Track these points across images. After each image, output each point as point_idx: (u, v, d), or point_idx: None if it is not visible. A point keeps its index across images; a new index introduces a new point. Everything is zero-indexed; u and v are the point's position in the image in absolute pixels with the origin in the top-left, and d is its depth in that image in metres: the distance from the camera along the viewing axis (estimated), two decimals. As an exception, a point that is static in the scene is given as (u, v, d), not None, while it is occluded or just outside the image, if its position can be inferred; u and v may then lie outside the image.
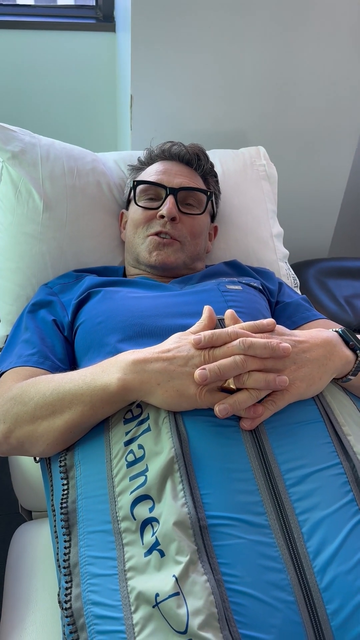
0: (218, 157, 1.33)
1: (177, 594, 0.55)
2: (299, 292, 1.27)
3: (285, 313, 1.01)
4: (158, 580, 0.56)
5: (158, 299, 0.90)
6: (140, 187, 1.08)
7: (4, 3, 1.88)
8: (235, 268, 1.11)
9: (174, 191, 1.04)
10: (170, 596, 0.55)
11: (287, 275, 1.29)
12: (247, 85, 1.54)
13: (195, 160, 1.13)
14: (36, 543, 0.90)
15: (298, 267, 1.73)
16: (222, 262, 1.11)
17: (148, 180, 1.07)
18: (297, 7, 1.44)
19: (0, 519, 1.29)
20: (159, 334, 0.79)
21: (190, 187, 1.07)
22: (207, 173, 1.15)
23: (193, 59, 1.47)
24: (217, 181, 1.19)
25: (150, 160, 1.15)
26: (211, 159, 1.30)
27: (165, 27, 1.41)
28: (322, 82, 1.58)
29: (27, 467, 0.98)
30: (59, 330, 0.93)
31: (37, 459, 0.81)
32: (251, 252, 1.26)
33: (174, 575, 0.56)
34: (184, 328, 0.75)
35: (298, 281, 1.31)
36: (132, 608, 0.56)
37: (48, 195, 1.13)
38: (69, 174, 1.16)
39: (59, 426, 0.71)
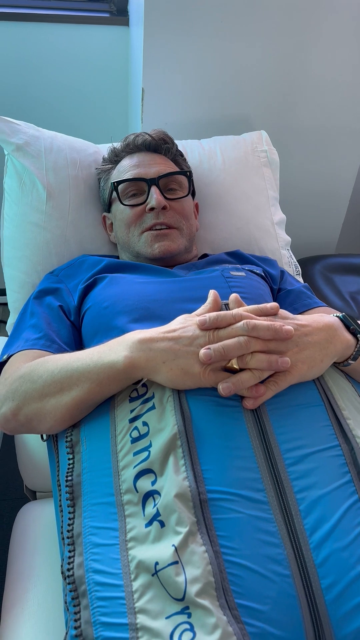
0: (218, 145, 1.33)
1: (175, 562, 0.56)
2: (301, 279, 1.29)
3: (287, 300, 1.02)
4: (158, 550, 0.58)
5: (163, 284, 0.92)
6: (120, 187, 1.07)
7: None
8: (238, 257, 1.12)
9: (154, 181, 1.04)
10: (169, 564, 0.56)
11: (289, 263, 1.29)
12: (257, 80, 1.55)
13: (162, 145, 1.13)
14: (39, 521, 0.92)
15: (305, 263, 1.74)
16: (224, 252, 1.12)
17: (126, 178, 1.07)
18: (310, 3, 1.45)
19: (6, 503, 1.31)
20: (165, 318, 0.80)
21: (169, 172, 1.07)
22: (176, 154, 1.16)
23: (204, 53, 1.48)
24: (185, 159, 1.19)
25: (115, 157, 1.14)
26: (211, 147, 1.32)
27: (177, 20, 1.42)
28: (333, 78, 1.58)
29: (33, 448, 1.00)
30: (65, 316, 0.95)
31: (45, 437, 0.83)
32: (253, 241, 1.26)
33: (173, 545, 0.57)
34: (189, 312, 0.77)
35: (300, 269, 1.31)
36: (132, 576, 0.58)
37: (51, 185, 1.15)
38: (72, 165, 1.18)
39: (66, 403, 0.73)
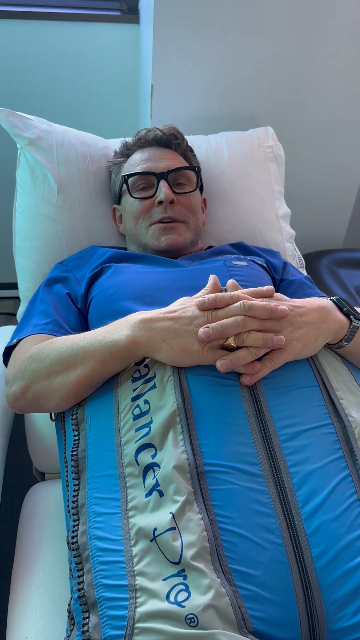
0: (225, 140, 1.36)
1: (173, 528, 0.59)
2: (304, 272, 1.31)
3: (289, 290, 1.05)
4: (156, 517, 0.61)
5: (167, 274, 0.95)
6: (131, 180, 1.11)
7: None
8: (241, 249, 1.15)
9: (164, 175, 1.07)
10: (166, 530, 0.59)
11: (292, 255, 1.32)
12: (264, 77, 1.57)
13: (172, 140, 1.16)
14: (47, 500, 0.96)
15: (311, 257, 1.76)
16: (228, 244, 1.15)
17: (136, 171, 1.10)
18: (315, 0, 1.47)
19: (16, 490, 1.35)
20: (168, 304, 0.84)
21: (178, 167, 1.10)
22: (186, 150, 1.19)
23: (212, 50, 1.51)
24: (194, 155, 1.22)
25: (127, 151, 1.18)
26: (218, 142, 1.34)
27: (186, 18, 1.45)
28: (339, 74, 1.60)
29: (42, 431, 1.04)
30: (73, 304, 0.99)
31: (53, 417, 0.86)
32: (257, 234, 1.29)
33: (170, 512, 0.60)
34: None
35: (304, 261, 1.34)
36: (132, 542, 0.61)
37: (62, 178, 1.18)
38: (82, 158, 1.22)
39: (72, 380, 0.76)
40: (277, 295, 0.78)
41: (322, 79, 1.60)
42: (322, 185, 1.82)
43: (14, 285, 1.27)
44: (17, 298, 1.25)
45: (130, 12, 1.93)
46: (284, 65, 1.56)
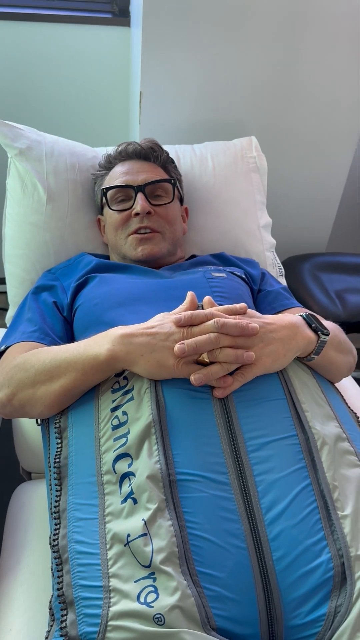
0: (210, 151, 1.40)
1: (145, 534, 0.65)
2: (283, 280, 1.36)
3: (267, 300, 1.10)
4: (130, 523, 0.67)
5: (149, 285, 0.99)
6: (110, 192, 1.15)
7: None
8: (222, 259, 1.19)
9: (141, 188, 1.12)
10: (139, 536, 0.65)
11: (272, 264, 1.37)
12: (250, 84, 1.61)
13: (151, 153, 1.20)
14: (33, 499, 1.01)
15: (294, 261, 1.81)
16: (209, 254, 1.20)
17: (115, 184, 1.15)
18: (300, 11, 1.51)
19: (4, 484, 1.40)
20: (150, 315, 0.88)
21: (155, 180, 1.15)
22: (165, 162, 1.23)
23: (200, 57, 1.54)
24: (175, 166, 1.26)
25: (109, 164, 1.22)
26: (202, 152, 1.38)
27: (174, 25, 1.48)
28: (324, 84, 1.65)
29: (28, 433, 1.09)
30: (59, 312, 1.03)
31: (39, 422, 0.91)
32: (239, 243, 1.34)
33: (143, 519, 0.66)
34: (171, 309, 0.84)
35: (283, 270, 1.38)
36: (108, 546, 0.66)
37: (51, 188, 1.22)
38: (71, 169, 1.26)
39: (55, 390, 0.81)
40: (250, 312, 0.83)
41: (306, 87, 1.64)
42: (308, 189, 1.87)
43: (3, 280, 1.31)
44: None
45: (121, 15, 1.95)
46: (270, 74, 1.60)
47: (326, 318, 0.94)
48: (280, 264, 1.38)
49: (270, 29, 1.52)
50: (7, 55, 1.87)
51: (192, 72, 1.57)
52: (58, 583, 0.67)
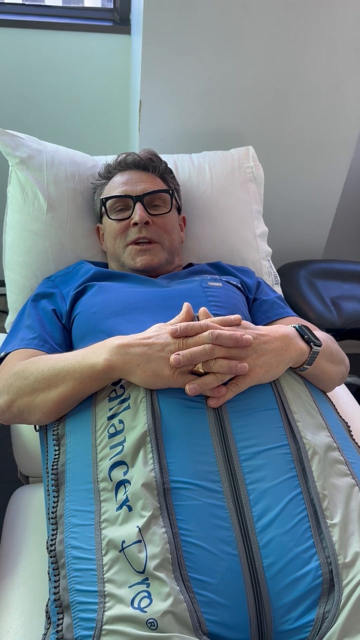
0: (207, 160, 1.42)
1: (139, 541, 0.67)
2: (279, 288, 1.38)
3: (262, 309, 1.12)
4: (125, 530, 0.69)
5: (147, 294, 1.01)
6: (109, 202, 1.18)
7: (26, 3, 1.95)
8: (218, 268, 1.21)
9: (139, 198, 1.14)
10: (133, 543, 0.67)
11: (268, 273, 1.39)
12: (249, 91, 1.63)
13: (150, 164, 1.22)
14: (31, 503, 1.02)
15: (291, 267, 1.83)
16: (206, 263, 1.22)
17: (114, 194, 1.17)
18: (299, 18, 1.53)
19: (3, 485, 1.42)
20: (147, 323, 0.90)
21: (153, 190, 1.17)
22: (164, 172, 1.25)
23: (199, 67, 1.56)
24: (173, 176, 1.28)
25: (108, 173, 1.24)
26: (200, 162, 1.41)
27: (175, 34, 1.50)
28: (321, 90, 1.67)
29: (27, 438, 1.11)
30: (58, 319, 1.05)
31: (37, 428, 0.93)
32: (235, 252, 1.36)
33: (137, 526, 0.68)
34: (168, 319, 0.87)
35: (279, 278, 1.41)
36: (103, 552, 0.68)
37: (52, 197, 1.24)
38: (71, 178, 1.28)
39: (53, 397, 0.83)
40: (244, 323, 0.85)
41: (303, 98, 1.67)
42: (305, 197, 1.89)
43: (3, 283, 1.32)
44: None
45: (122, 23, 1.96)
46: (268, 83, 1.62)
47: (321, 325, 0.96)
48: (276, 273, 1.40)
49: (268, 37, 1.55)
50: (8, 63, 1.88)
51: (192, 81, 1.59)
52: (54, 587, 0.69)
